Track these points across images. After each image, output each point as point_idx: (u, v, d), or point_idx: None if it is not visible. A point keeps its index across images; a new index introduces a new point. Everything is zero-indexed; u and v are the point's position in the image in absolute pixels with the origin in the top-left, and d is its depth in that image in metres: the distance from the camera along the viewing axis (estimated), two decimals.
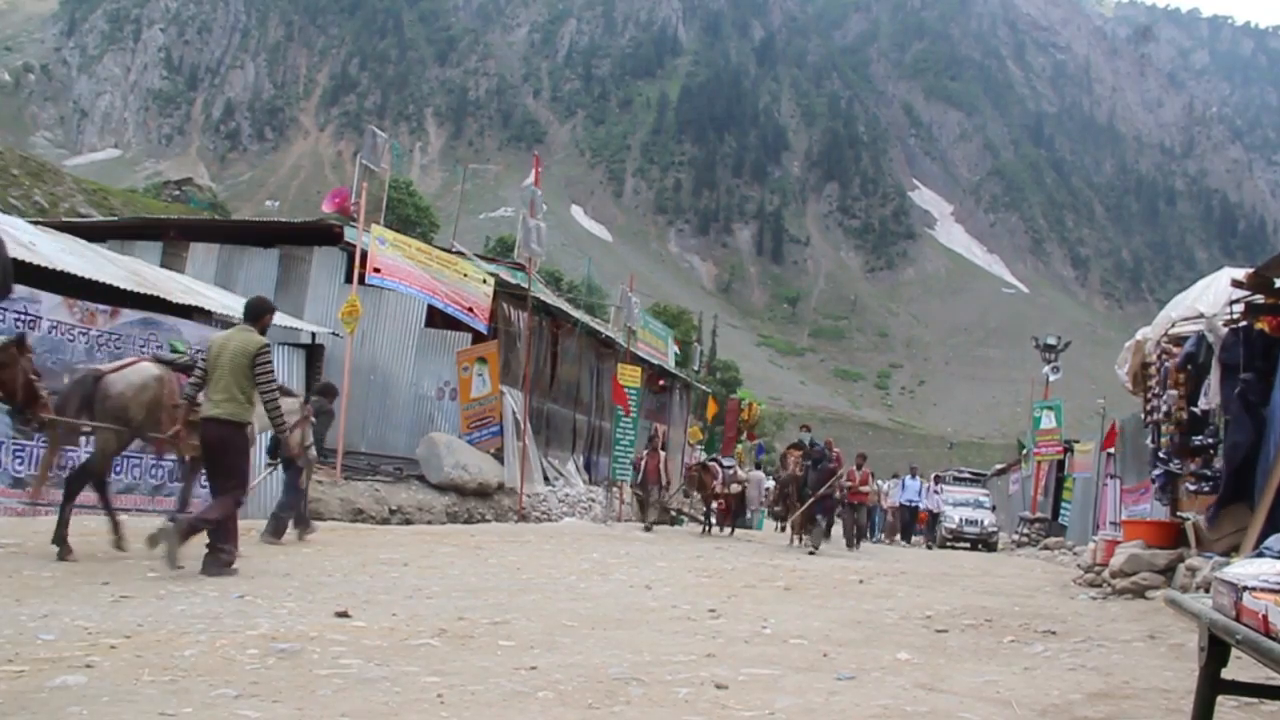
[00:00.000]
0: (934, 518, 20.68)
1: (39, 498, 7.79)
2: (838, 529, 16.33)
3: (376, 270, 11.35)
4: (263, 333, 6.01)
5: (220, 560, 5.69)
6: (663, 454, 14.96)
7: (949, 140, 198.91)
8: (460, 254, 15.41)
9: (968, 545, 20.08)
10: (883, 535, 22.07)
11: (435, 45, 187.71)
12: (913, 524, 21.05)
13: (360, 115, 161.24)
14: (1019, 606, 6.70)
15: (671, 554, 9.77)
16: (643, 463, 14.78)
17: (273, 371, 5.93)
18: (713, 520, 15.38)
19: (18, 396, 5.88)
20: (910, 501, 20.63)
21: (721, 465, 15.42)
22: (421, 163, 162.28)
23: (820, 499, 13.22)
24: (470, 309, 12.64)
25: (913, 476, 20.95)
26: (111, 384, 6.28)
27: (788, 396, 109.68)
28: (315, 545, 7.84)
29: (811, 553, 12.26)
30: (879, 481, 22.03)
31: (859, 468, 21.73)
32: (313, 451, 8.42)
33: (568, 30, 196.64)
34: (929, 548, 19.69)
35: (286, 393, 7.22)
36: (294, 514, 8.06)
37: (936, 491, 21.04)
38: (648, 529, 13.97)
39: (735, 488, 15.41)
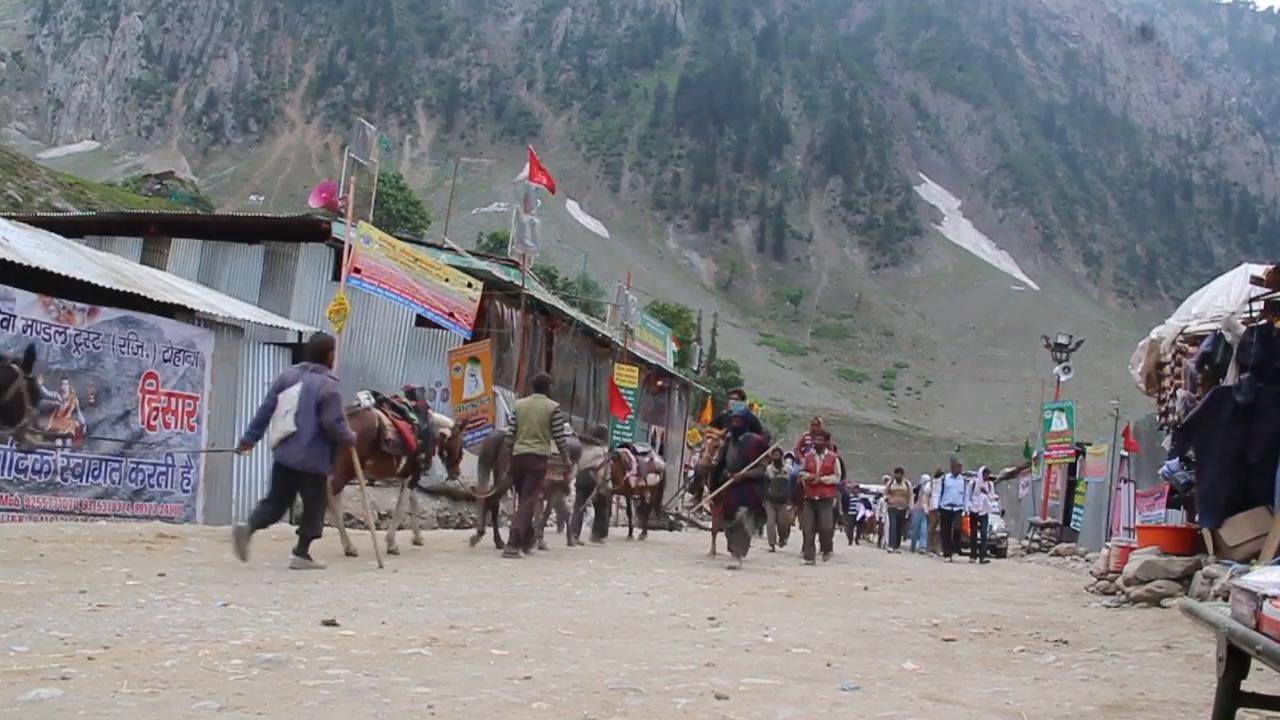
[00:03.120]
0: (981, 523, 17.09)
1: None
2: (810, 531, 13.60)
3: (356, 271, 11.38)
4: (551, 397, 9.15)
5: (525, 545, 8.67)
6: (641, 459, 13.03)
7: (957, 133, 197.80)
8: (452, 250, 15.52)
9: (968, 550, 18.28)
10: (926, 546, 18.82)
11: (425, 35, 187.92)
12: (954, 532, 17.12)
13: (348, 107, 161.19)
14: (1029, 615, 6.73)
15: (670, 560, 9.84)
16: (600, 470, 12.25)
17: (566, 424, 9.20)
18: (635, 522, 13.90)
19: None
20: (952, 505, 16.57)
21: (635, 453, 13.03)
22: (411, 156, 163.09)
23: (739, 484, 9.71)
24: (451, 314, 12.54)
25: (954, 474, 16.82)
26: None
27: (790, 397, 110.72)
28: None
29: (732, 567, 9.10)
30: (924, 476, 19.70)
31: (899, 480, 19.32)
32: (608, 484, 11.88)
33: (563, 19, 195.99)
34: (979, 560, 16.29)
35: (591, 442, 11.61)
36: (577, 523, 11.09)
37: (984, 490, 17.35)
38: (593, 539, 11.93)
39: (653, 478, 13.32)
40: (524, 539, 8.70)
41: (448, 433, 9.31)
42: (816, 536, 11.98)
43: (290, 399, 6.58)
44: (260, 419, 6.84)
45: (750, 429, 10.26)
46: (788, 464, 12.83)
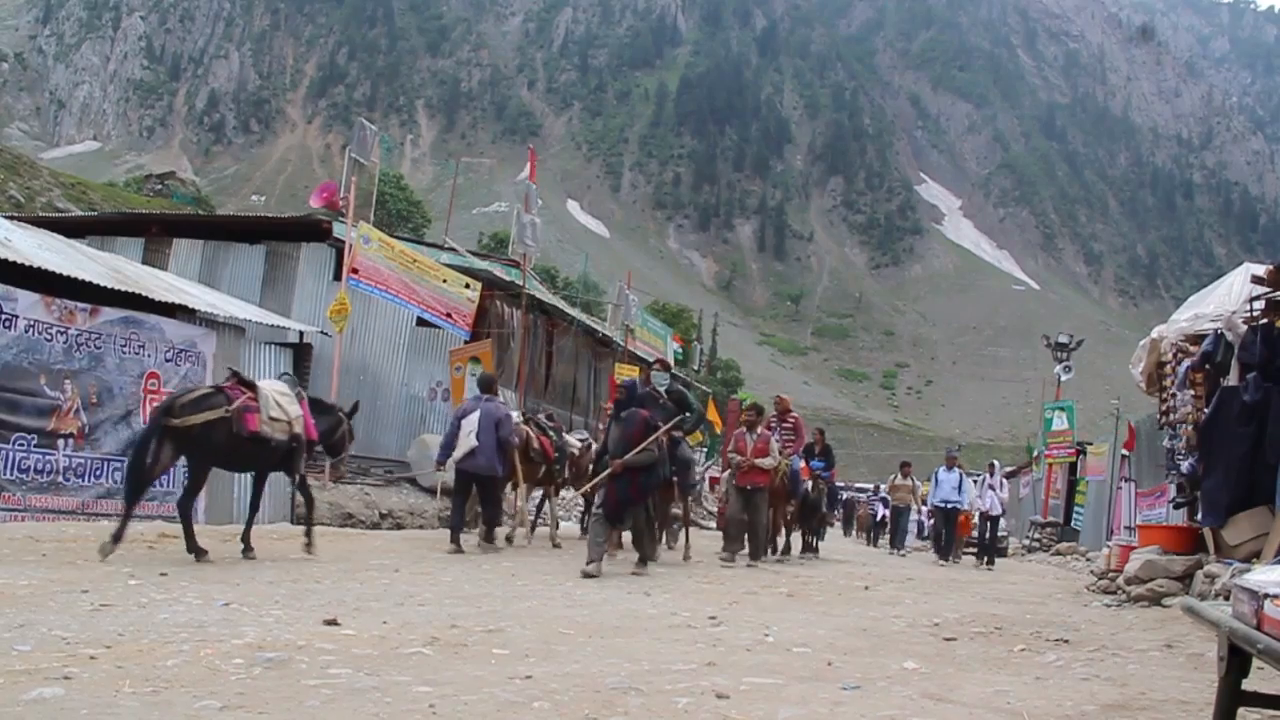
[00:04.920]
0: (990, 523, 15.69)
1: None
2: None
3: (355, 272, 11.49)
4: None
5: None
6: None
7: (957, 132, 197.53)
8: (453, 250, 15.58)
9: (974, 551, 17.26)
10: (895, 545, 17.79)
11: (426, 35, 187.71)
12: (951, 532, 15.40)
13: (349, 107, 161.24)
14: (1030, 614, 6.69)
15: (670, 558, 9.64)
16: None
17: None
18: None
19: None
20: (946, 502, 15.00)
21: (542, 428, 10.33)
22: (412, 156, 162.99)
23: (620, 475, 7.58)
24: (449, 314, 12.67)
25: (949, 468, 15.27)
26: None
27: (790, 397, 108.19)
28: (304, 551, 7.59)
29: (587, 574, 7.14)
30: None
31: (904, 475, 17.19)
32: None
33: (563, 19, 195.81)
34: (986, 564, 14.94)
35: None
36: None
37: (993, 487, 15.93)
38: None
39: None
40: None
41: (576, 451, 10.74)
42: (749, 533, 10.17)
43: (471, 422, 8.45)
44: (448, 443, 8.61)
45: (631, 401, 8.35)
46: (768, 460, 10.28)
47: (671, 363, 15.38)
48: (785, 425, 11.47)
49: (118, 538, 6.15)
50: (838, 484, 20.23)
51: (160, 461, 6.54)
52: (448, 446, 8.59)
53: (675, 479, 8.88)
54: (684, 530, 10.18)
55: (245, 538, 6.97)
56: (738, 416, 14.57)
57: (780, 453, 10.65)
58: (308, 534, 7.35)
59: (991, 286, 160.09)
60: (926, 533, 18.04)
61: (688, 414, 8.62)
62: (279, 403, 6.94)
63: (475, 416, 8.46)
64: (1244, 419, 6.44)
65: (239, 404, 6.60)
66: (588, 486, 9.28)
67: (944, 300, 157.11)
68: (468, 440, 8.36)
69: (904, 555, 16.53)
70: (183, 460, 7.08)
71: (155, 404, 7.81)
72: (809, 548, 12.89)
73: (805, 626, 5.38)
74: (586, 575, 7.21)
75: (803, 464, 11.70)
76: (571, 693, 3.33)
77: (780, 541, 11.60)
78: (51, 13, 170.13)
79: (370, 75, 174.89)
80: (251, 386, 6.88)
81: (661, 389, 8.89)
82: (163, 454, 6.48)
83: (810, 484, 11.86)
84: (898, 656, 4.49)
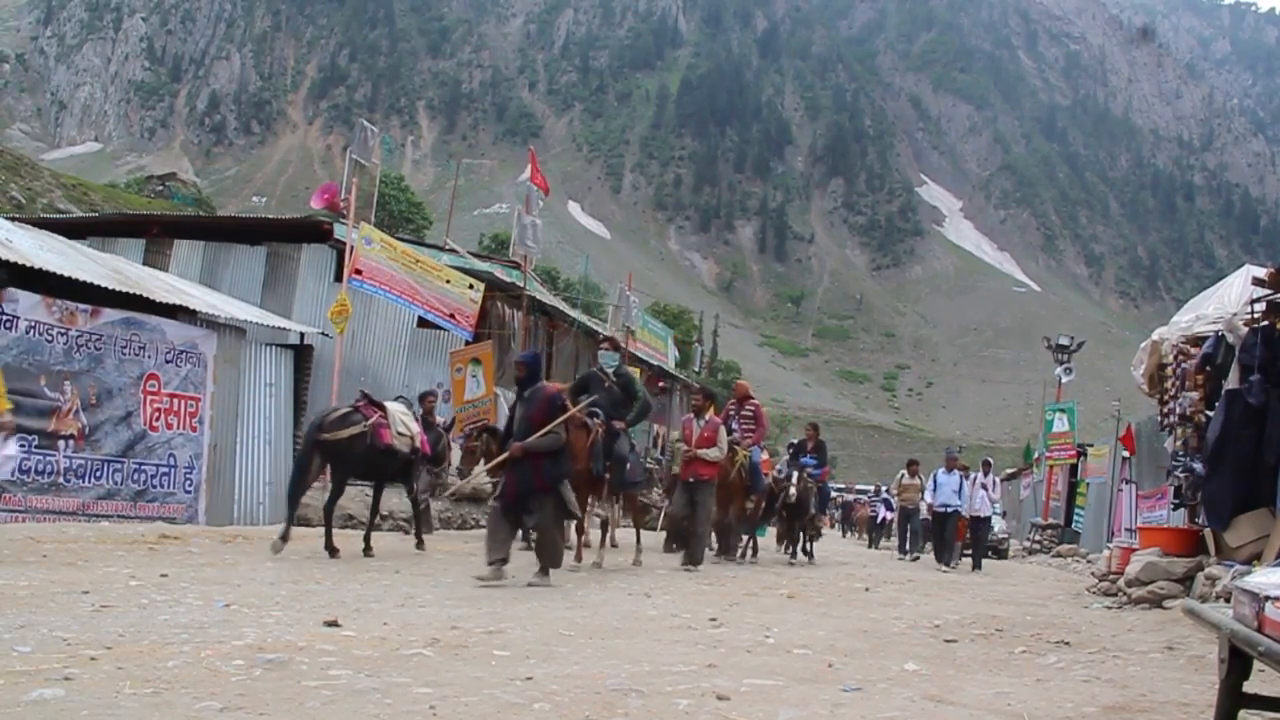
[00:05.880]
0: (981, 526, 14.75)
1: None
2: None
3: (357, 273, 11.48)
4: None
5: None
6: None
7: (958, 134, 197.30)
8: (453, 251, 15.49)
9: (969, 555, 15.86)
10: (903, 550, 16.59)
11: (427, 36, 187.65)
12: (950, 536, 14.46)
13: (350, 108, 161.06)
14: (1031, 616, 6.70)
15: (670, 560, 9.53)
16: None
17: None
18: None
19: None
20: (946, 506, 14.08)
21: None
22: (413, 157, 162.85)
23: (520, 461, 6.51)
24: (452, 315, 12.68)
25: (948, 470, 14.34)
26: None
27: (791, 398, 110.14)
28: (304, 553, 7.62)
29: (483, 580, 6.28)
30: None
31: (912, 474, 15.70)
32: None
33: (564, 21, 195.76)
34: (974, 567, 14.08)
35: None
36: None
37: (985, 487, 14.84)
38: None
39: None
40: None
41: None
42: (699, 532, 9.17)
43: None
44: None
45: (589, 386, 7.61)
46: (713, 450, 9.20)
47: (621, 343, 14.16)
48: (745, 413, 10.37)
49: (285, 537, 7.13)
50: (836, 485, 19.71)
51: (313, 472, 7.59)
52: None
53: (607, 476, 7.85)
54: (608, 533, 9.07)
55: (367, 539, 7.96)
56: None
57: (738, 443, 9.79)
58: (418, 535, 8.76)
59: (992, 288, 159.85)
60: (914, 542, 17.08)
61: (634, 402, 7.92)
62: (403, 420, 7.98)
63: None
64: (1247, 421, 6.45)
65: (373, 421, 7.65)
66: (484, 468, 7.95)
67: (945, 302, 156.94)
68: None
69: (917, 559, 15.36)
70: (184, 460, 7.14)
71: (309, 422, 8.58)
72: (801, 551, 12.03)
73: (806, 628, 5.37)
74: (482, 581, 6.23)
75: (764, 456, 10.72)
76: (572, 694, 3.33)
77: (745, 541, 10.89)
78: (53, 14, 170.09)
79: (371, 76, 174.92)
80: (380, 406, 7.90)
81: (610, 371, 8.07)
82: (313, 465, 7.55)
83: (795, 481, 10.96)
84: (898, 658, 4.49)
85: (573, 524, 7.92)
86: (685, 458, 9.04)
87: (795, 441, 13.16)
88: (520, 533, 8.15)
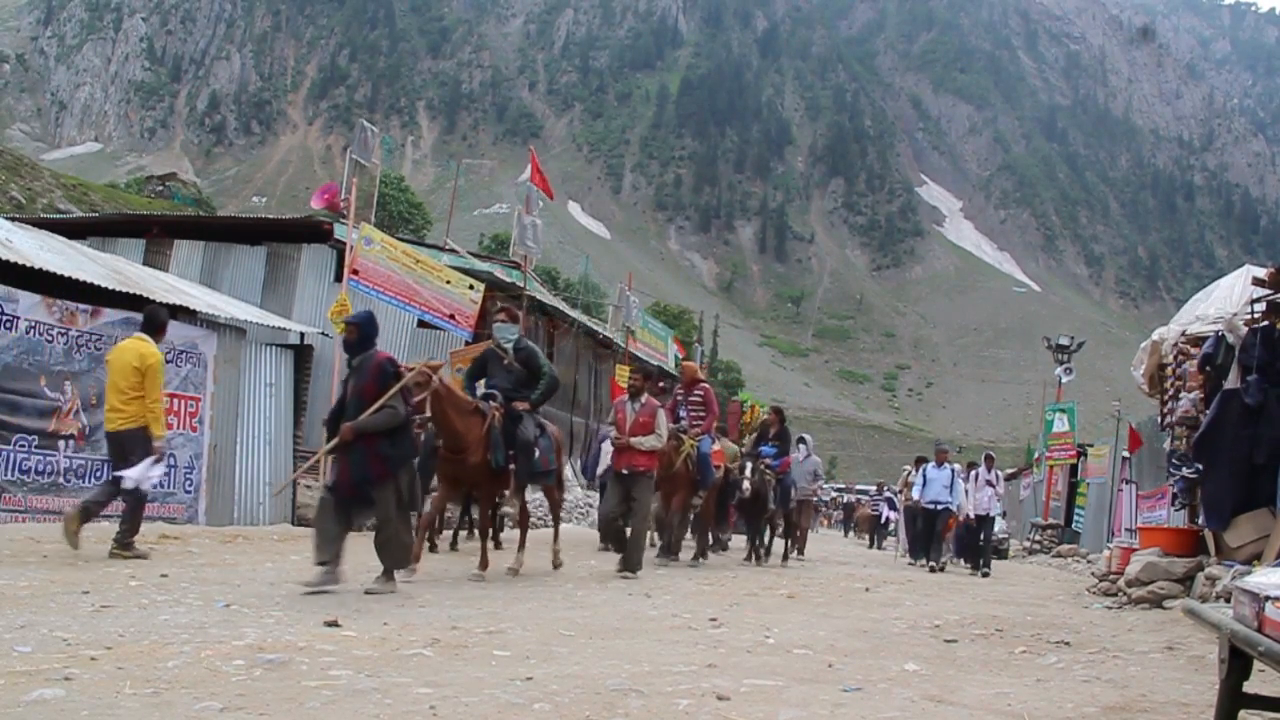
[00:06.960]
0: (987, 526, 13.77)
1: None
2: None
3: (355, 273, 11.39)
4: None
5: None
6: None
7: (958, 134, 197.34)
8: (453, 251, 15.44)
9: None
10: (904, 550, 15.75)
11: (427, 36, 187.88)
12: (936, 534, 13.68)
13: (350, 108, 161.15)
14: (1031, 616, 6.69)
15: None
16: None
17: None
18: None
19: None
20: (935, 503, 13.23)
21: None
22: (414, 158, 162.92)
23: (353, 444, 5.59)
24: (452, 315, 12.59)
25: (938, 464, 13.51)
26: None
27: (791, 399, 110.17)
28: (304, 553, 7.26)
29: (310, 587, 5.41)
30: (905, 467, 16.65)
31: (919, 472, 14.02)
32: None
33: (564, 21, 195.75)
34: (980, 571, 13.12)
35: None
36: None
37: (991, 484, 13.92)
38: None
39: None
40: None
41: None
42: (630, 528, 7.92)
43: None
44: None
45: (486, 365, 6.71)
46: (650, 439, 7.93)
47: (672, 366, 13.88)
48: (693, 397, 9.35)
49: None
50: (836, 485, 19.48)
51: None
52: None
53: (511, 466, 6.69)
54: (521, 532, 7.66)
55: (454, 544, 8.84)
56: (739, 419, 12.99)
57: (685, 431, 8.81)
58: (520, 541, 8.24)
59: (992, 288, 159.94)
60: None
61: (539, 380, 6.82)
62: None
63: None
64: (1245, 421, 6.45)
65: None
66: (319, 454, 6.57)
67: (945, 302, 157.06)
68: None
69: (940, 570, 13.46)
70: (184, 461, 7.09)
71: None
72: (771, 553, 10.97)
73: (806, 628, 5.38)
74: (309, 588, 5.34)
75: (715, 446, 9.55)
76: (572, 694, 3.33)
77: (696, 541, 9.90)
78: (53, 14, 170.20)
79: (371, 77, 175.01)
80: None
81: (507, 346, 6.93)
82: None
83: (749, 474, 9.77)
84: (898, 658, 4.49)
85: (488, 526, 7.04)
86: (618, 446, 7.85)
87: (755, 428, 11.42)
88: (493, 531, 7.05)
